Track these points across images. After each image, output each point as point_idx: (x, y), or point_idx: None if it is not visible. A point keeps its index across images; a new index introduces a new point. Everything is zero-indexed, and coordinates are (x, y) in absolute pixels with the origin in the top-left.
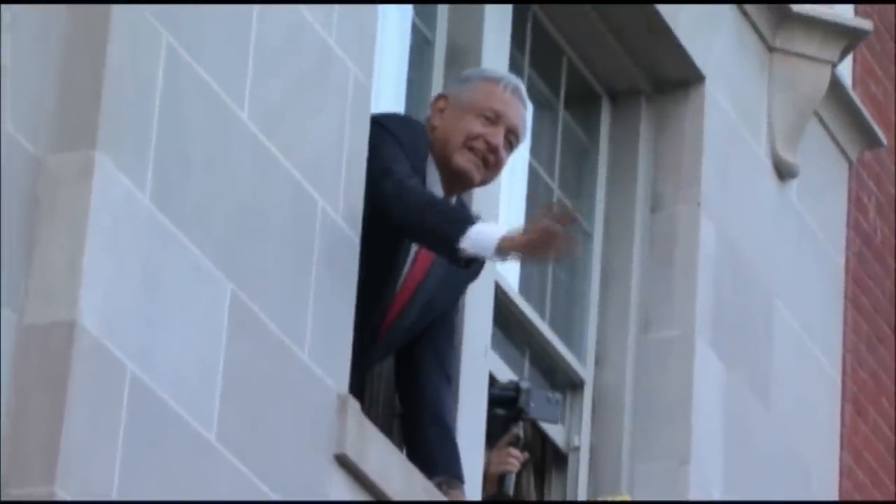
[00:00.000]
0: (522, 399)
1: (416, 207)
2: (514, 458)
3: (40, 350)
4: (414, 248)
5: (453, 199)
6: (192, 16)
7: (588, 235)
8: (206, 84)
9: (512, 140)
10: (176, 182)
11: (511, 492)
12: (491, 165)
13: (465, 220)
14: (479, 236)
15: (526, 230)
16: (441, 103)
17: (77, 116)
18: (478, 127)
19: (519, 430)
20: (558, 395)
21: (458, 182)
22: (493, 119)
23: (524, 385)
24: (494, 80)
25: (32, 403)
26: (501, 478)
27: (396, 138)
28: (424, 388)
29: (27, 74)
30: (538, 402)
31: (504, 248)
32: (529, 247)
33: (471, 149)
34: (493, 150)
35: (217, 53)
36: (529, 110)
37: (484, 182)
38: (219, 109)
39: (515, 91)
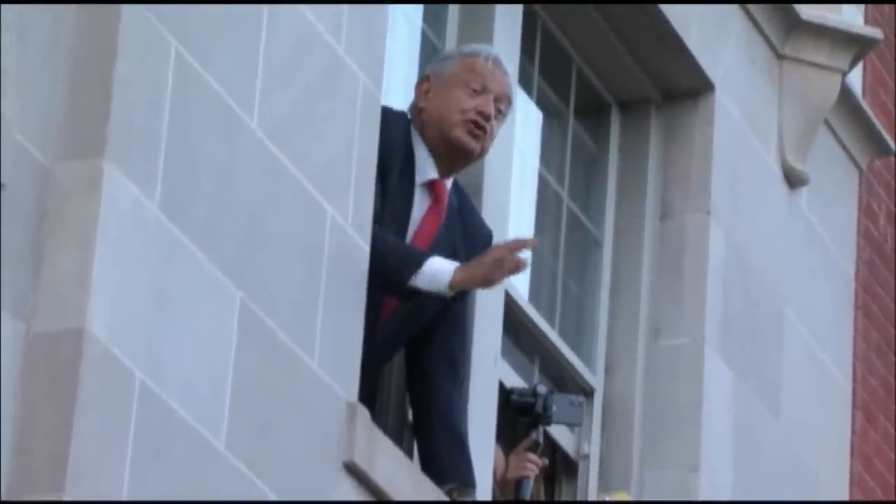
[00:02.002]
0: (539, 404)
1: (373, 257)
2: (533, 464)
3: (49, 359)
4: (414, 224)
5: (450, 180)
6: (202, 25)
7: (598, 244)
8: (216, 93)
9: (502, 108)
10: (185, 191)
11: (528, 497)
12: (487, 133)
13: (418, 259)
14: (433, 273)
15: (479, 263)
16: (425, 85)
17: (86, 126)
18: (468, 100)
19: (538, 435)
20: (581, 398)
21: (457, 157)
22: (481, 90)
23: (541, 390)
24: (473, 53)
25: (41, 412)
26: (518, 483)
27: None
28: (435, 393)
29: (36, 83)
30: (561, 405)
31: (457, 283)
32: (482, 278)
33: (466, 121)
34: (486, 117)
35: (226, 62)
36: (526, 108)
37: (480, 155)
38: (228, 118)
39: (496, 61)
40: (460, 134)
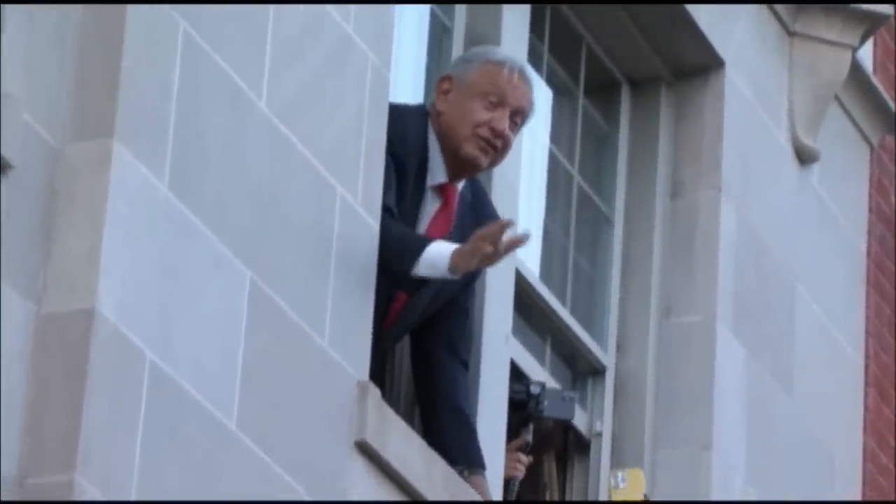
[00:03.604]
0: (532, 404)
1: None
2: (521, 465)
3: (59, 339)
4: (423, 226)
5: (461, 184)
6: (210, 4)
7: (609, 222)
8: (224, 72)
9: (518, 121)
10: (194, 171)
11: (514, 496)
12: (499, 150)
13: (416, 249)
14: (433, 259)
15: (472, 241)
16: (446, 85)
17: (94, 106)
18: (483, 113)
19: (528, 435)
20: (573, 393)
21: (466, 167)
22: (498, 103)
23: (534, 390)
24: (498, 62)
25: (52, 392)
26: (507, 483)
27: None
28: (438, 376)
29: (44, 64)
30: (552, 400)
31: (456, 266)
32: (476, 256)
33: (478, 136)
34: (498, 135)
35: (235, 42)
36: (536, 86)
37: (492, 165)
38: (237, 98)
39: (521, 73)
40: (470, 149)
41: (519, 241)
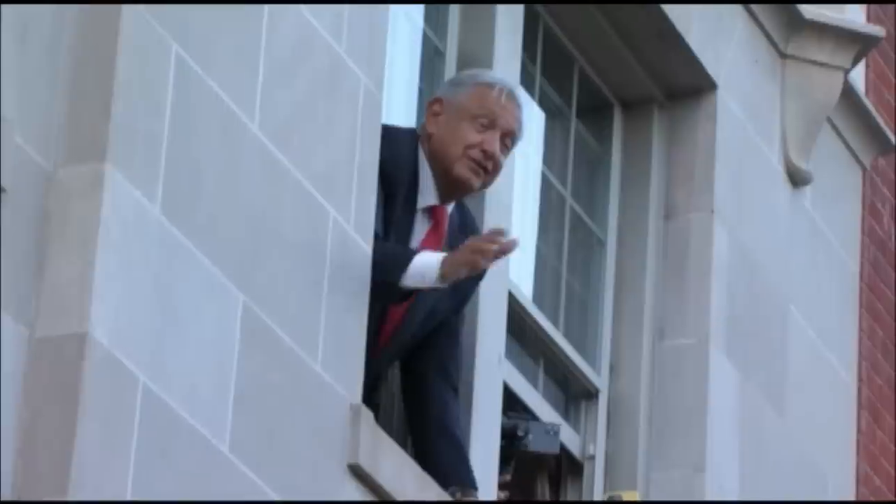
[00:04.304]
0: (518, 442)
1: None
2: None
3: (52, 363)
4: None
5: (450, 206)
6: (202, 26)
7: (602, 244)
8: (217, 95)
9: (508, 143)
10: (187, 194)
11: None
12: (490, 171)
13: (404, 260)
14: (421, 269)
15: (462, 250)
16: (436, 107)
17: (87, 129)
18: (474, 135)
19: (509, 474)
20: (556, 426)
21: (457, 189)
22: (489, 125)
23: (521, 432)
24: (488, 84)
25: (44, 416)
26: None
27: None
28: (428, 399)
29: (36, 86)
30: (537, 434)
31: (446, 274)
32: (466, 264)
33: (469, 158)
34: (489, 157)
35: (227, 64)
36: (528, 108)
37: (483, 187)
38: (229, 121)
39: (510, 95)
40: (462, 170)
41: (509, 248)
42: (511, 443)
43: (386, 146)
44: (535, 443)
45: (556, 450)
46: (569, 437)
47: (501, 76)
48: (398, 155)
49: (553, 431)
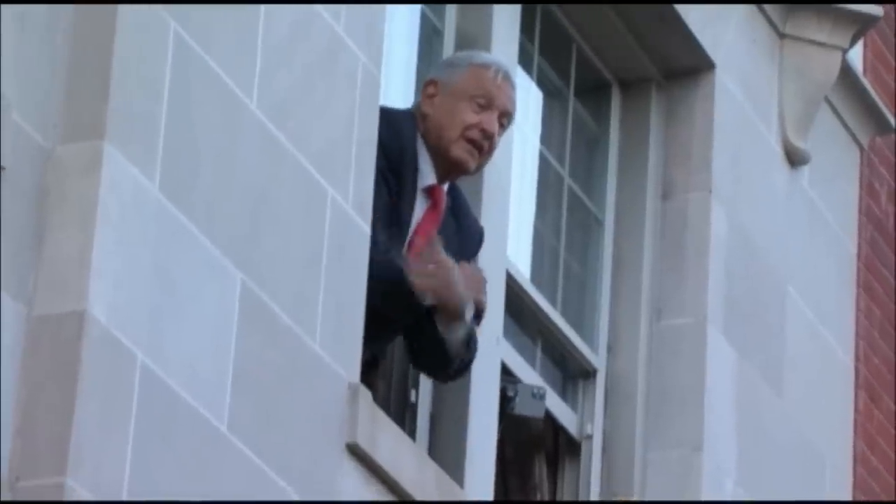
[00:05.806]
0: (507, 404)
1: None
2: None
3: (50, 341)
4: (412, 227)
5: (446, 185)
6: (200, 5)
7: (599, 224)
8: (215, 74)
9: (504, 122)
10: (185, 172)
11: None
12: (485, 151)
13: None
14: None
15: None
16: (431, 89)
17: (85, 107)
18: (472, 116)
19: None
20: (543, 389)
21: (454, 170)
22: (486, 105)
23: (510, 391)
24: (484, 65)
25: (43, 394)
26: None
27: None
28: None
29: (35, 65)
30: (523, 397)
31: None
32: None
33: (467, 139)
34: (488, 136)
35: (226, 43)
36: (526, 87)
37: (478, 168)
38: (228, 99)
39: (505, 76)
40: (459, 152)
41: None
42: (500, 404)
43: (389, 127)
44: (521, 406)
45: (541, 414)
46: (566, 417)
47: (495, 57)
48: (402, 135)
49: (539, 395)
